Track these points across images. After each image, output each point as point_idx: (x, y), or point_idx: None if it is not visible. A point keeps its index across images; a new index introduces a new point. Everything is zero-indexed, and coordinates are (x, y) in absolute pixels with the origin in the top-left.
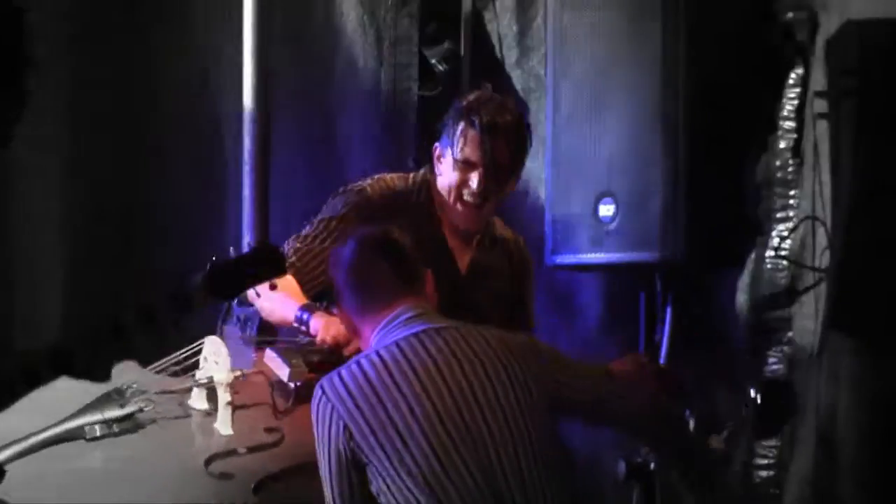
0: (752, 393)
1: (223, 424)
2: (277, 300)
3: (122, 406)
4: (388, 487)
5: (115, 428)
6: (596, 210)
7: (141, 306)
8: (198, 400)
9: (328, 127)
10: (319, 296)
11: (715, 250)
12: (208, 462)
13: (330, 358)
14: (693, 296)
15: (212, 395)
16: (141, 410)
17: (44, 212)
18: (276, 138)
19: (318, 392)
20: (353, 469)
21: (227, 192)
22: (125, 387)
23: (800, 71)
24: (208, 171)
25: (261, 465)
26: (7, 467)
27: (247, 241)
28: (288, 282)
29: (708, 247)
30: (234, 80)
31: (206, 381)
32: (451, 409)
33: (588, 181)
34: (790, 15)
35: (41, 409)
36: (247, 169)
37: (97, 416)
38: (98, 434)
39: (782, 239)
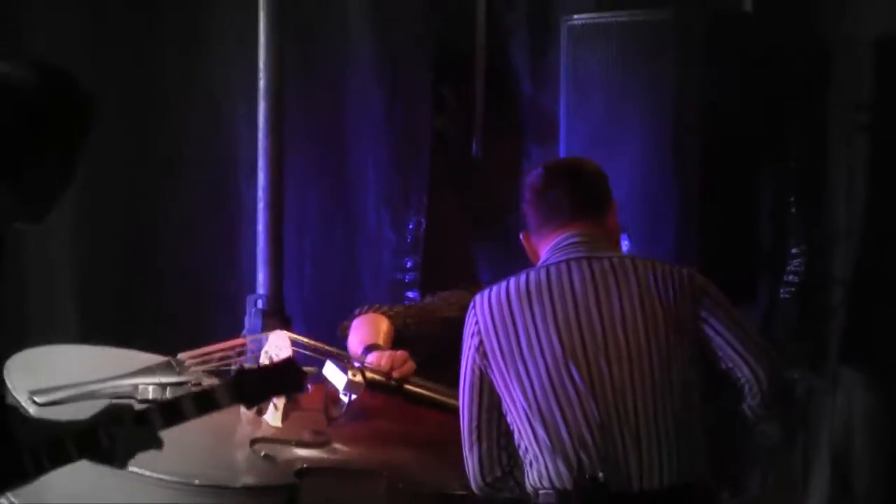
0: None
1: (273, 417)
2: (360, 332)
3: (178, 374)
4: (509, 409)
5: (168, 393)
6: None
7: (169, 402)
8: None
9: (341, 160)
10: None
11: (728, 285)
12: (253, 443)
13: (379, 379)
14: None
15: None
16: (199, 384)
17: (59, 238)
18: (289, 172)
19: (472, 303)
20: (483, 384)
21: (241, 228)
22: (185, 360)
23: (813, 105)
24: (222, 207)
25: (303, 458)
26: (57, 410)
27: (259, 294)
28: (377, 323)
29: (722, 281)
30: (247, 115)
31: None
32: (577, 348)
33: None
34: (803, 49)
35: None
36: (261, 205)
37: (153, 379)
38: (150, 396)
39: (796, 274)
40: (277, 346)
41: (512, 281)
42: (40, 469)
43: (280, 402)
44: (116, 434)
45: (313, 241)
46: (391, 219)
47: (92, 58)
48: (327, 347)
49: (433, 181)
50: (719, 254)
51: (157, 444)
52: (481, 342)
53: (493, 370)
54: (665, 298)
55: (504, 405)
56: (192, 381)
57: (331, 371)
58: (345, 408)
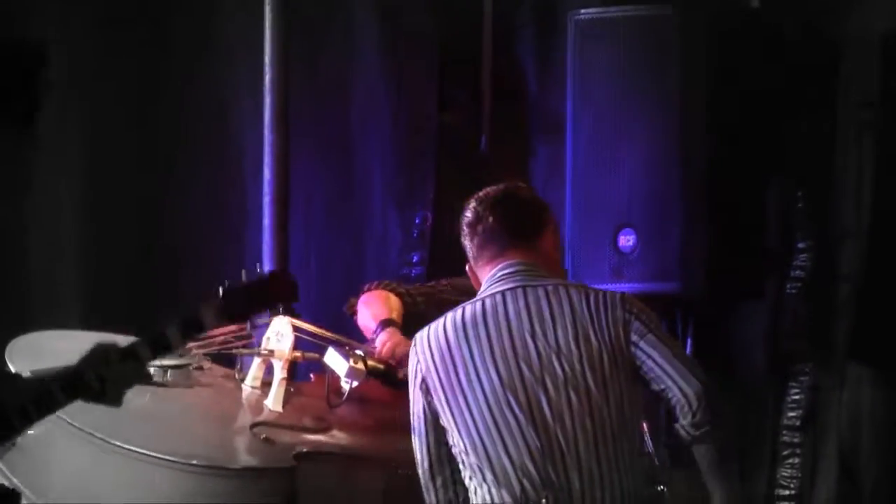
0: None
1: (274, 400)
2: (372, 308)
3: (180, 356)
4: (454, 442)
5: (168, 376)
6: (616, 241)
7: (154, 333)
8: (253, 378)
9: (346, 156)
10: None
11: (735, 281)
12: (253, 426)
13: (381, 368)
14: (713, 327)
15: (266, 381)
16: (200, 368)
17: (65, 234)
18: (295, 168)
19: (413, 342)
20: (430, 420)
21: (247, 223)
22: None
23: (820, 101)
24: (228, 201)
25: (303, 442)
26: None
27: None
28: (388, 299)
29: (728, 278)
30: (254, 110)
31: (266, 352)
32: (515, 378)
33: (608, 212)
34: (810, 45)
35: None
36: (266, 200)
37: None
38: (151, 378)
39: (802, 269)
40: (279, 331)
41: (449, 316)
42: (26, 419)
43: (281, 386)
44: (105, 374)
45: (319, 235)
46: (397, 214)
47: (100, 53)
48: (330, 334)
49: (440, 176)
50: (727, 249)
51: (147, 377)
52: (423, 380)
53: (435, 404)
54: (598, 324)
55: (449, 439)
56: (194, 364)
57: (332, 358)
58: (346, 394)
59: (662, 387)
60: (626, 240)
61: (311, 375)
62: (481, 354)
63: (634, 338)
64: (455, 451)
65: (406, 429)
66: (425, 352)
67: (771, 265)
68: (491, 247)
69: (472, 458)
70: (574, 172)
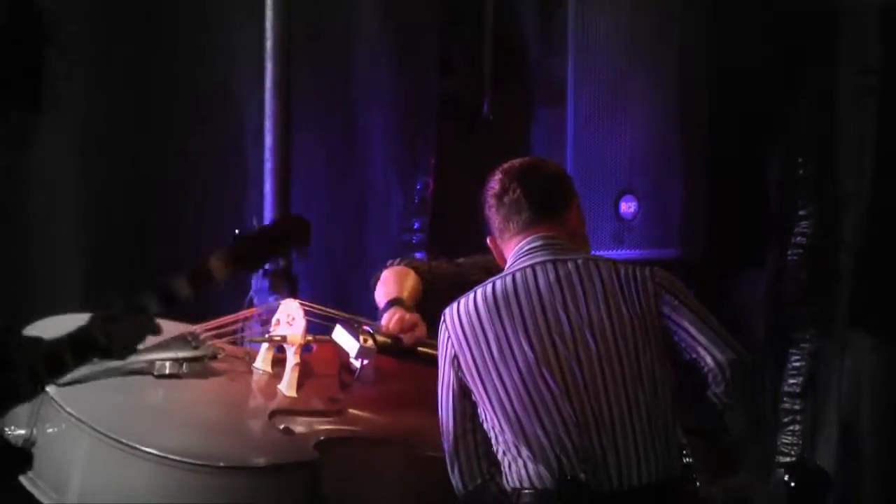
0: (786, 478)
1: (288, 386)
2: (387, 286)
3: (194, 348)
4: (486, 417)
5: (185, 368)
6: (617, 207)
7: (160, 285)
8: (263, 361)
9: (347, 122)
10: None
11: (737, 247)
12: (272, 416)
13: (390, 343)
14: (714, 294)
15: (276, 360)
16: (214, 357)
17: (66, 204)
18: (296, 134)
19: (442, 317)
20: (460, 396)
21: (248, 190)
22: (200, 333)
23: (822, 67)
24: (229, 169)
25: (320, 430)
26: (72, 388)
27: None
28: (404, 277)
29: (730, 244)
30: (255, 76)
31: (278, 338)
32: (549, 352)
33: (609, 178)
34: (811, 11)
35: None
36: (268, 166)
37: (169, 354)
38: (167, 371)
39: (804, 235)
40: (289, 313)
41: (479, 291)
42: (38, 382)
43: (295, 371)
44: (112, 329)
45: (320, 202)
46: (399, 180)
47: (97, 21)
48: (337, 312)
49: (441, 142)
50: (728, 215)
51: (155, 329)
52: (455, 356)
53: (467, 380)
54: (629, 297)
55: (480, 414)
56: (209, 355)
57: (341, 336)
58: (357, 373)
59: (694, 356)
60: (628, 206)
61: (313, 345)
62: (514, 329)
63: (666, 309)
64: (487, 426)
65: (422, 404)
66: (455, 327)
67: (772, 231)
68: (517, 219)
69: (508, 434)
70: (575, 138)
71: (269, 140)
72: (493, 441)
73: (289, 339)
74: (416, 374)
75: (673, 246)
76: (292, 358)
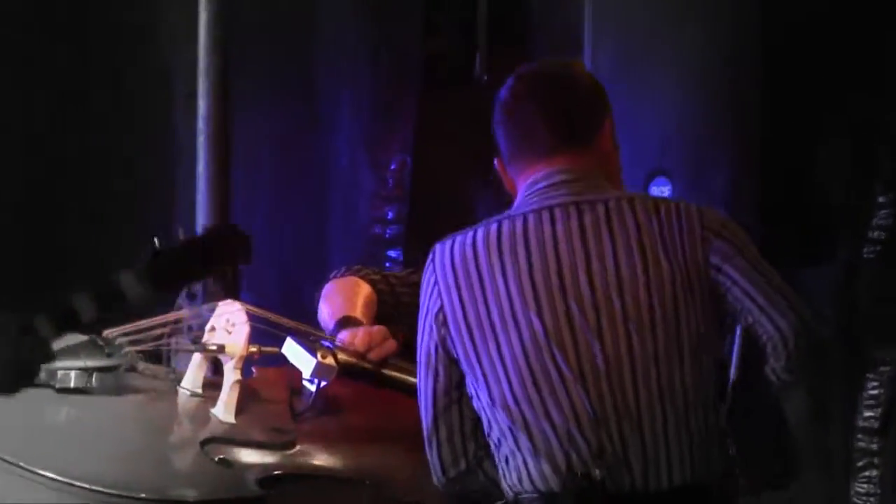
0: None
1: (224, 410)
2: (332, 303)
3: (107, 356)
4: (476, 393)
5: (94, 381)
6: (648, 191)
7: (61, 303)
8: (192, 379)
9: (306, 84)
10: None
11: (795, 242)
12: (204, 444)
13: (354, 363)
14: None
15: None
16: (133, 369)
17: None
18: (238, 99)
19: (430, 254)
20: (443, 358)
21: (176, 170)
22: (115, 337)
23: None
24: (153, 142)
25: (267, 464)
26: None
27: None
28: (354, 289)
29: (787, 239)
30: (186, 28)
31: (214, 348)
32: (563, 322)
33: (636, 157)
34: None
35: None
36: (201, 139)
37: (75, 363)
38: (72, 384)
39: (883, 229)
40: (228, 318)
41: (480, 231)
42: None
43: (234, 391)
44: None
45: (268, 185)
46: (369, 157)
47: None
48: (290, 322)
49: (423, 112)
50: (784, 203)
51: (49, 356)
52: (441, 307)
53: (455, 343)
54: (671, 244)
55: (469, 388)
56: (125, 366)
57: (294, 352)
58: (312, 398)
59: (750, 320)
60: (660, 191)
61: (253, 369)
62: (520, 287)
63: (716, 260)
64: (477, 405)
65: (390, 440)
66: (446, 268)
67: (841, 224)
68: (531, 145)
69: (503, 419)
70: None
71: (202, 106)
72: (486, 424)
73: (227, 349)
74: (381, 402)
75: None
76: (231, 374)
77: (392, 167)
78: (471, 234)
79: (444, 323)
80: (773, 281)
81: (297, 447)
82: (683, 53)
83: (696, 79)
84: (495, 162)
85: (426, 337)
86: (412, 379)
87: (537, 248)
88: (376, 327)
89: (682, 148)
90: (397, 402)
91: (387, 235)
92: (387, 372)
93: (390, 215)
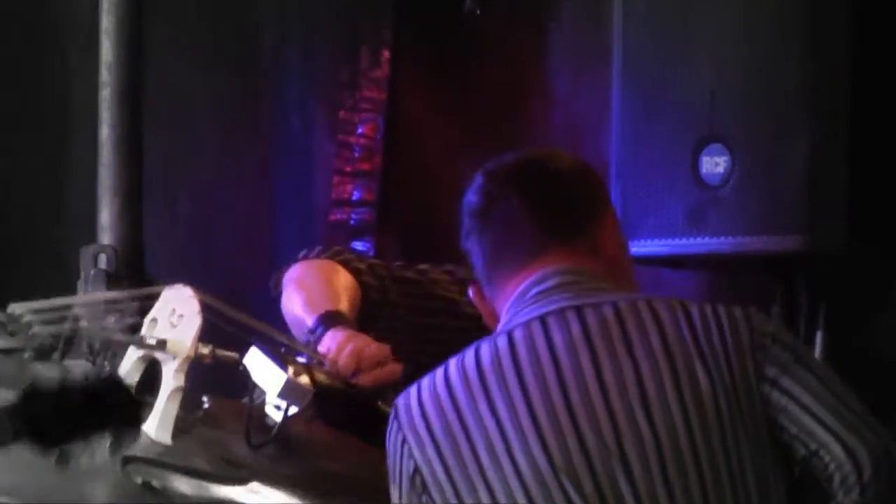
0: None
1: (160, 426)
2: (308, 290)
3: (11, 335)
4: None
5: None
6: (696, 165)
7: None
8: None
9: (240, 22)
10: None
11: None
12: (126, 462)
13: (336, 387)
14: (858, 313)
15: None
16: (47, 353)
17: None
18: (152, 40)
19: (392, 411)
20: None
21: (72, 135)
22: (23, 313)
23: None
24: (41, 100)
25: (201, 496)
26: None
27: (101, 245)
28: (332, 276)
29: (882, 229)
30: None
31: (152, 343)
32: (574, 454)
33: (682, 120)
34: None
35: None
36: (105, 94)
37: None
38: None
39: None
40: (175, 308)
41: (454, 364)
42: None
43: (173, 401)
44: None
45: (193, 157)
46: (327, 120)
47: None
48: (258, 323)
49: (397, 59)
50: (882, 183)
51: None
52: (417, 469)
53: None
54: (711, 354)
55: None
56: (31, 349)
57: (258, 363)
58: (276, 427)
59: (814, 447)
60: (714, 163)
61: (205, 399)
62: (514, 419)
63: (771, 372)
64: None
65: (368, 494)
66: (415, 422)
67: None
68: (516, 248)
69: None
70: (626, 53)
71: (106, 49)
72: None
73: (169, 346)
74: (368, 450)
75: (792, 230)
76: (171, 379)
77: (359, 131)
78: (441, 371)
79: (425, 487)
80: (843, 396)
81: (250, 484)
82: None
83: (760, 20)
84: (469, 290)
85: None
86: None
87: (530, 366)
88: (374, 343)
89: (742, 108)
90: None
91: (352, 222)
92: (383, 407)
93: (356, 196)
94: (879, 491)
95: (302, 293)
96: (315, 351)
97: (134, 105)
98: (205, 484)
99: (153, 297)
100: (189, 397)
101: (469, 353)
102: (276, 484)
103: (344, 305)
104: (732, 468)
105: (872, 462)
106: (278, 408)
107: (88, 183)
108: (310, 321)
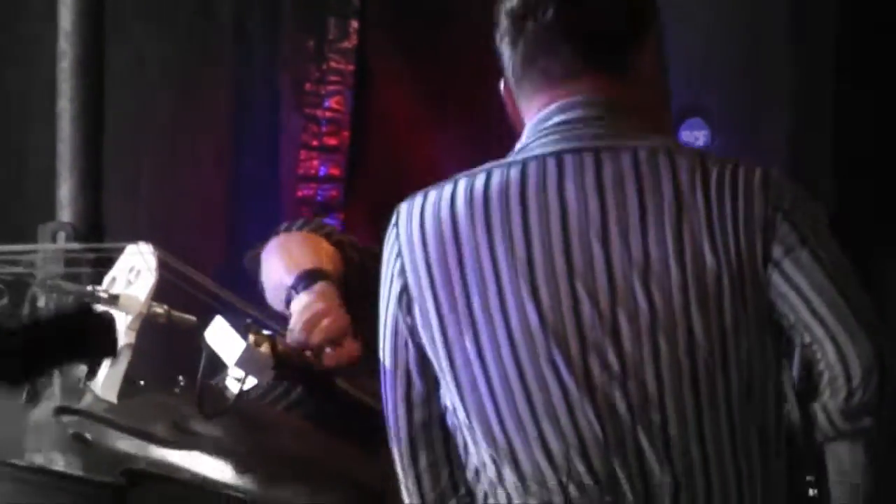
0: None
1: (105, 382)
2: (288, 254)
3: None
4: (450, 407)
5: None
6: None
7: None
8: None
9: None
10: None
11: (884, 210)
12: (58, 412)
13: (299, 360)
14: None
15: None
16: None
17: None
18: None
19: (394, 214)
20: (415, 359)
21: (29, 108)
22: None
23: None
24: None
25: (136, 455)
26: None
27: (61, 223)
28: (315, 244)
29: (880, 198)
30: None
31: (105, 295)
32: (567, 315)
33: None
34: None
35: None
36: (63, 66)
37: None
38: None
39: None
40: (133, 266)
41: (463, 184)
42: None
43: (122, 357)
44: None
45: (154, 130)
46: (293, 94)
47: None
48: (222, 289)
49: (366, 29)
50: (872, 150)
51: None
52: (405, 287)
53: (423, 337)
54: (720, 233)
55: (444, 399)
56: None
57: (220, 333)
58: (234, 397)
59: (808, 340)
60: (694, 137)
61: (181, 379)
62: (511, 262)
63: (777, 252)
64: (450, 420)
65: (321, 474)
66: (412, 237)
67: None
68: (546, 65)
69: (482, 441)
70: None
71: (65, 19)
72: (461, 447)
73: (121, 301)
74: (331, 434)
75: None
76: (122, 335)
77: (326, 104)
78: (449, 187)
79: (410, 309)
80: (848, 290)
81: (191, 451)
82: None
83: None
84: (500, 86)
85: (389, 330)
86: (368, 400)
87: (537, 209)
88: (334, 316)
89: (723, 79)
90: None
91: (319, 198)
92: (341, 384)
93: (323, 171)
94: (864, 400)
95: (283, 257)
96: (278, 320)
97: (94, 77)
98: (142, 443)
99: (115, 253)
100: (164, 375)
101: (480, 177)
102: (219, 455)
103: (325, 263)
104: (728, 354)
105: (863, 370)
106: (239, 380)
107: (48, 159)
108: (289, 280)
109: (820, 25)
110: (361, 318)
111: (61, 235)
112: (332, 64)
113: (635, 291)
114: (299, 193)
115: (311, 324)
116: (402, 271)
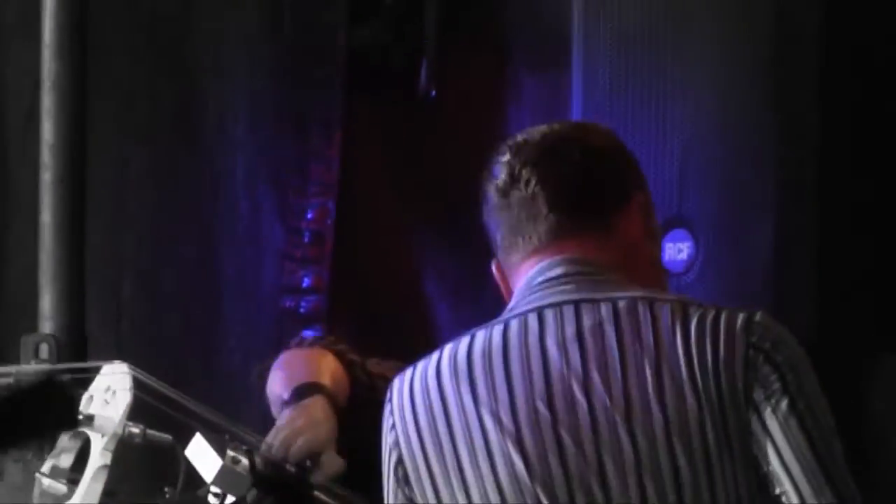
0: None
1: (86, 499)
2: (291, 368)
3: None
4: None
5: None
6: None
7: None
8: (56, 462)
9: (188, 98)
10: None
11: (872, 325)
12: None
13: (278, 475)
14: (841, 399)
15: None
16: None
17: None
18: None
19: (388, 390)
20: None
21: (12, 220)
22: None
23: None
24: None
25: None
26: None
27: (43, 335)
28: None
29: (865, 315)
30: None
31: (80, 417)
32: (554, 465)
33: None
34: None
35: None
36: (46, 178)
37: None
38: None
39: None
40: (111, 385)
41: (449, 349)
42: None
43: (98, 479)
44: None
45: (138, 241)
46: (276, 202)
47: None
48: (198, 406)
49: (349, 138)
50: (858, 266)
51: None
52: (400, 460)
53: (417, 501)
54: (702, 370)
55: None
56: None
57: (200, 451)
58: None
59: (778, 491)
60: (678, 250)
61: (167, 491)
62: (495, 415)
63: (758, 394)
64: None
65: None
66: (404, 408)
67: None
68: (532, 231)
69: None
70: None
71: (47, 129)
72: None
73: (96, 422)
74: None
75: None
76: (98, 457)
77: (308, 216)
78: (436, 355)
79: (406, 479)
80: (820, 444)
81: None
82: (709, 60)
83: (725, 96)
84: (493, 265)
85: (391, 501)
86: None
87: (520, 362)
88: (312, 434)
89: (706, 190)
90: None
91: (301, 309)
92: (319, 496)
93: (306, 282)
94: None
95: (285, 371)
96: (257, 435)
97: (76, 189)
98: None
99: (92, 373)
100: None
101: (464, 339)
102: None
103: (325, 378)
104: (716, 493)
105: None
106: (217, 496)
107: (31, 269)
108: (286, 395)
109: (807, 118)
110: (361, 435)
111: (44, 347)
112: (314, 173)
113: (619, 436)
114: (284, 304)
115: (287, 440)
116: (397, 443)
